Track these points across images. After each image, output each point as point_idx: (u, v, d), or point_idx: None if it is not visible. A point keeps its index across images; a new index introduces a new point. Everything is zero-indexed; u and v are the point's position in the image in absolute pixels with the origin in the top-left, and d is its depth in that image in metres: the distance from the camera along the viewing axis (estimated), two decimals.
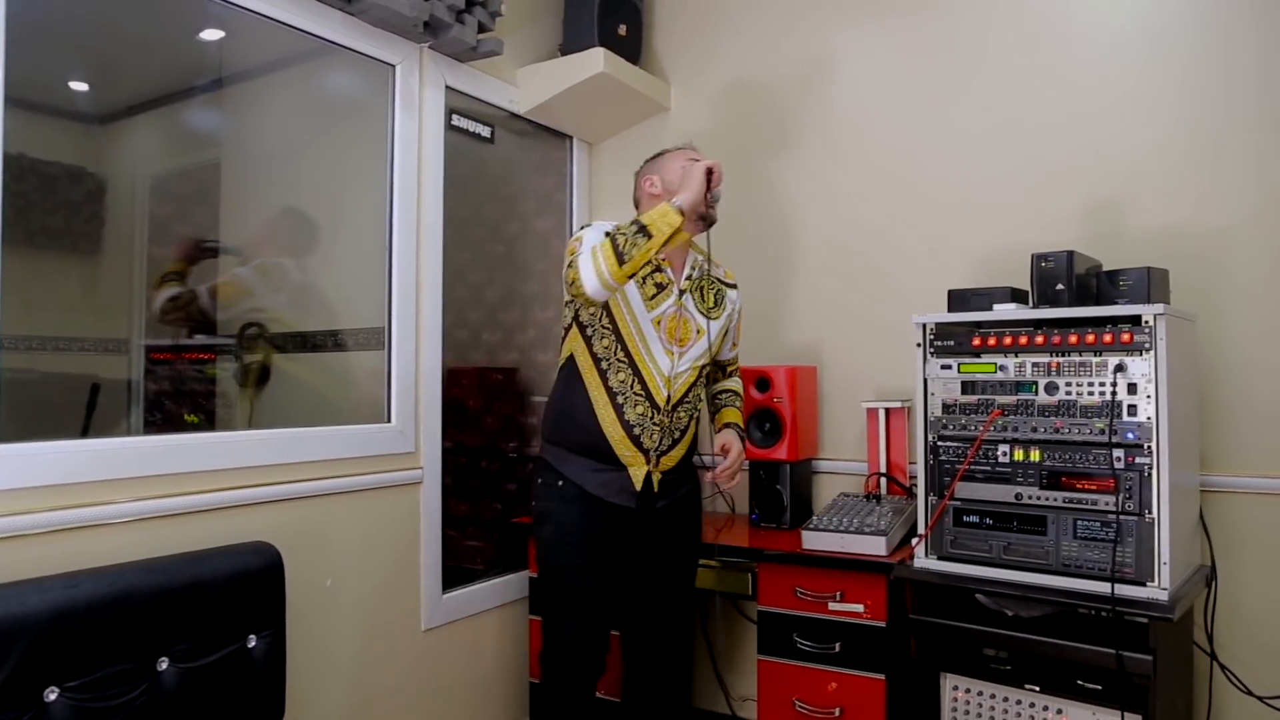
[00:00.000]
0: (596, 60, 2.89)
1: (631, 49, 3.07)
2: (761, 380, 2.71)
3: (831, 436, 2.88)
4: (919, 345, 2.23)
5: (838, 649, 2.29)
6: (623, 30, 3.03)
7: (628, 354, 2.17)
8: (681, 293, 2.24)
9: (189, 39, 2.73)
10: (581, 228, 2.18)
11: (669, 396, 2.18)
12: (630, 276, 2.04)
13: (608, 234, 2.04)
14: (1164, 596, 1.87)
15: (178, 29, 2.69)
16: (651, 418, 2.17)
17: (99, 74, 2.97)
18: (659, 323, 2.19)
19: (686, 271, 2.27)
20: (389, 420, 2.55)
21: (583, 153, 3.39)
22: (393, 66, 2.58)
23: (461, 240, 2.94)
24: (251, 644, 1.89)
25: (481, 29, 2.70)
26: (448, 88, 2.76)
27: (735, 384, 2.49)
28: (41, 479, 1.77)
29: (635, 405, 2.16)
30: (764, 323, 2.98)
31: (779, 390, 2.68)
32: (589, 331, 2.20)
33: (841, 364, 2.87)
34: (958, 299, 2.28)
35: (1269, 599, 2.23)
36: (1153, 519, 1.90)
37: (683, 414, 2.23)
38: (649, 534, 2.24)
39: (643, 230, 2.00)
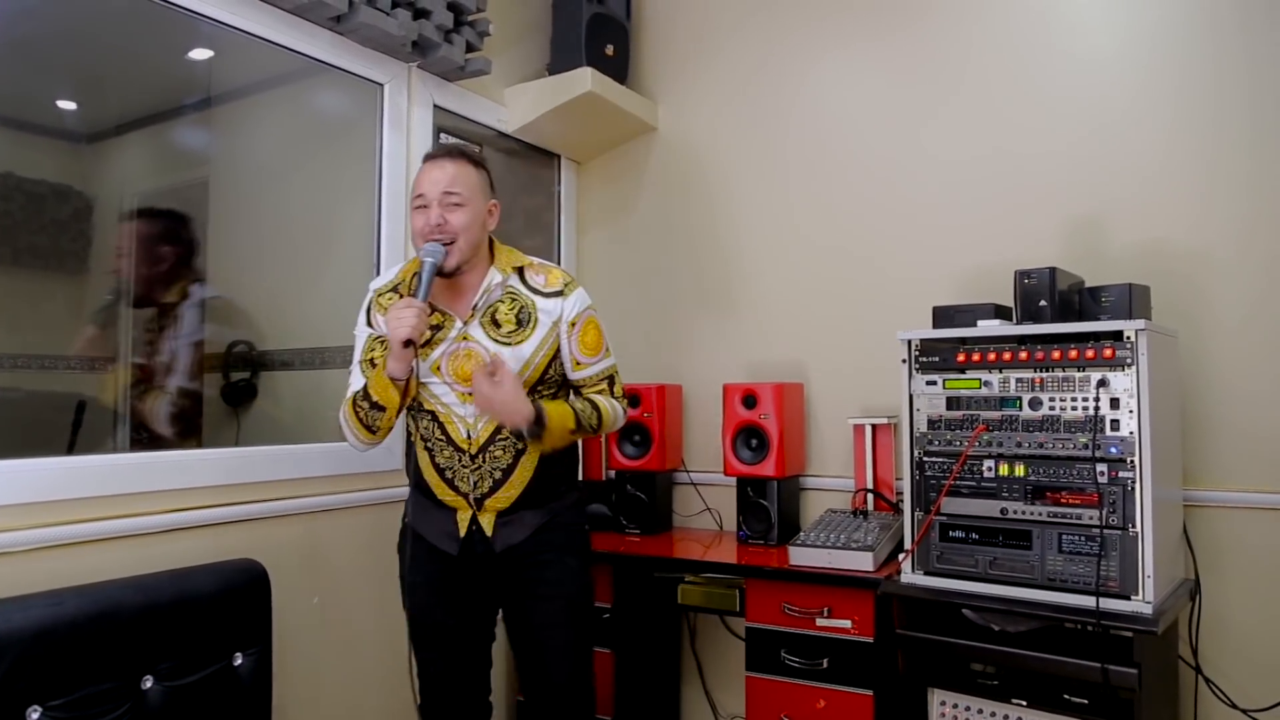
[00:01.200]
0: (584, 80, 2.91)
1: (619, 69, 3.10)
2: (748, 398, 2.72)
3: (818, 453, 2.89)
4: (904, 362, 2.24)
5: (825, 665, 2.29)
6: (610, 50, 3.06)
7: (421, 404, 2.01)
8: (466, 324, 1.98)
9: (178, 58, 2.74)
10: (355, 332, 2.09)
11: (471, 438, 1.97)
12: (390, 430, 2.00)
13: (352, 399, 1.98)
14: (1148, 610, 1.88)
15: (167, 48, 2.70)
16: (460, 461, 1.98)
17: (87, 93, 2.98)
18: (438, 367, 1.97)
19: (476, 298, 1.99)
20: None
21: (570, 172, 3.41)
22: (381, 86, 2.60)
23: None
24: (237, 662, 1.88)
25: (470, 48, 2.73)
26: (436, 107, 2.78)
27: (601, 399, 2.08)
28: (25, 496, 1.77)
29: (442, 450, 1.99)
30: (750, 340, 3.00)
31: (765, 407, 2.69)
32: None
33: (828, 381, 2.88)
34: (942, 316, 2.30)
35: (1253, 613, 2.25)
36: (1136, 533, 1.92)
37: (499, 452, 1.97)
38: (491, 580, 2.05)
39: (375, 406, 1.93)
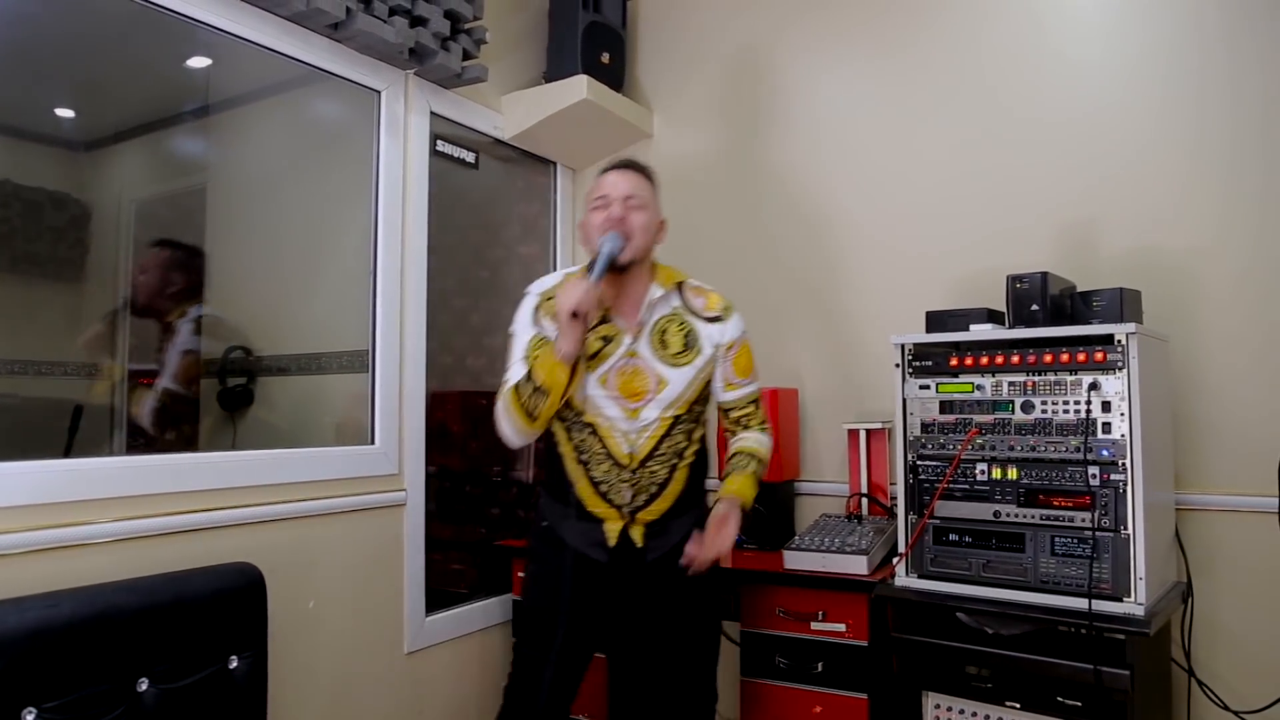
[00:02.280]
0: (580, 87, 2.93)
1: (615, 76, 3.12)
2: None
3: (813, 458, 2.90)
4: (897, 366, 2.25)
5: (820, 669, 2.29)
6: (606, 58, 3.08)
7: (580, 416, 2.03)
8: (635, 339, 2.03)
9: (176, 66, 2.76)
10: (516, 322, 2.11)
11: (632, 453, 2.00)
12: (551, 419, 2.02)
13: (514, 386, 1.98)
14: (1140, 612, 1.89)
15: (165, 56, 2.71)
16: (618, 475, 2.00)
17: (85, 101, 3.00)
18: (605, 380, 2.00)
19: (641, 312, 2.04)
20: (372, 442, 2.55)
21: (566, 179, 3.43)
22: (378, 93, 2.62)
23: (446, 266, 2.97)
24: (233, 665, 1.89)
25: (466, 56, 2.75)
26: (432, 114, 2.79)
27: (750, 440, 2.13)
28: (21, 498, 1.77)
29: (600, 464, 2.01)
30: None
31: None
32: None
33: (822, 386, 2.89)
34: (935, 320, 2.32)
35: (1245, 615, 2.26)
36: (1128, 535, 1.93)
37: (657, 467, 2.01)
38: (635, 590, 2.05)
39: (538, 390, 1.94)
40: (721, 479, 2.11)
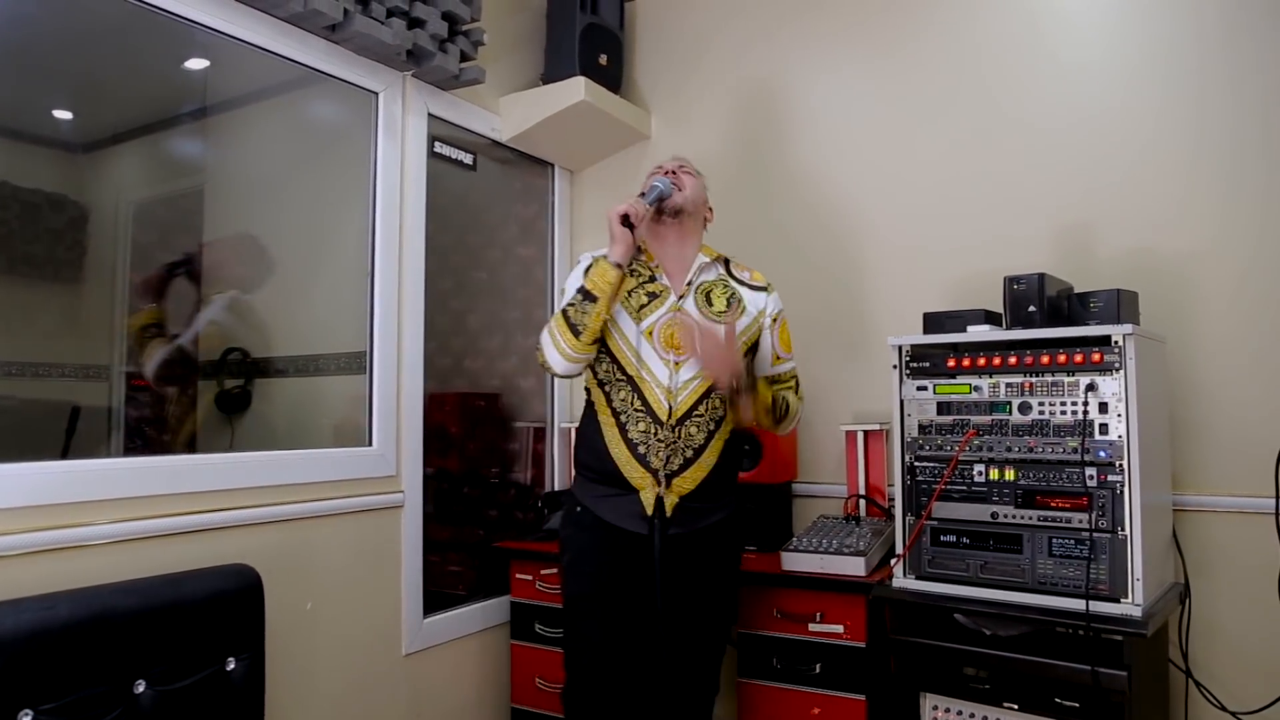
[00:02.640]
0: (578, 89, 2.94)
1: (612, 78, 3.12)
2: None
3: (810, 460, 2.90)
4: (895, 367, 2.25)
5: (818, 670, 2.30)
6: (604, 60, 3.08)
7: (623, 371, 2.09)
8: (681, 298, 2.15)
9: (174, 68, 2.76)
10: (570, 274, 2.23)
11: (671, 409, 2.06)
12: (595, 342, 2.09)
13: (562, 310, 2.09)
14: (1137, 613, 1.89)
15: (163, 58, 2.71)
16: (655, 434, 2.05)
17: (83, 102, 2.99)
18: (651, 333, 2.10)
19: (689, 277, 2.18)
20: (370, 444, 2.55)
21: (564, 181, 3.43)
22: (376, 94, 2.62)
23: (444, 267, 2.97)
24: (230, 667, 1.88)
25: (464, 57, 2.75)
26: (430, 115, 2.79)
27: (790, 395, 2.25)
28: (19, 500, 1.77)
29: (638, 422, 2.06)
30: None
31: None
32: (598, 355, 2.16)
33: (820, 387, 2.89)
34: (933, 321, 2.32)
35: (1242, 616, 2.26)
36: (1125, 536, 1.93)
37: (694, 429, 2.07)
38: (665, 563, 2.07)
39: (587, 296, 2.06)
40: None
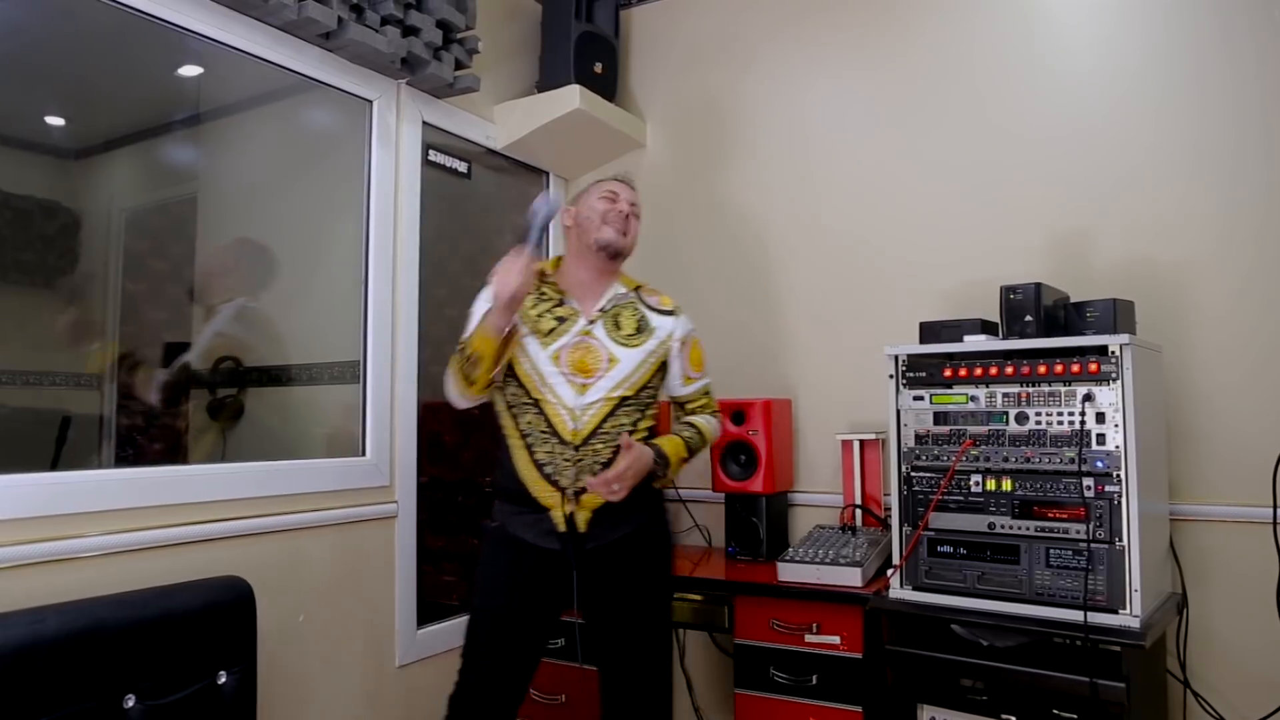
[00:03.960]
0: (573, 97, 2.93)
1: (607, 86, 3.12)
2: (737, 413, 2.72)
3: (806, 469, 2.89)
4: (891, 377, 2.25)
5: (814, 681, 2.28)
6: (599, 68, 3.08)
7: (529, 395, 2.09)
8: (591, 322, 2.14)
9: (167, 75, 2.75)
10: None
11: (577, 430, 2.05)
12: (489, 386, 2.12)
13: (457, 351, 2.10)
14: (1136, 624, 1.89)
15: (156, 65, 2.70)
16: (562, 455, 2.04)
17: (76, 109, 2.98)
18: (558, 357, 2.09)
19: (602, 303, 2.18)
20: (363, 454, 2.54)
21: (559, 188, 3.42)
22: (370, 102, 2.61)
23: (439, 276, 2.95)
24: (221, 680, 1.86)
25: (459, 65, 2.74)
26: (425, 123, 2.78)
27: (700, 419, 2.27)
28: (8, 512, 1.75)
29: (543, 443, 2.06)
30: (739, 356, 3.00)
31: (754, 423, 2.69)
32: (500, 381, 2.16)
33: (816, 397, 2.89)
34: (929, 331, 2.31)
35: (1239, 626, 2.25)
36: (1123, 546, 1.92)
37: (600, 446, 2.06)
38: (585, 578, 2.08)
39: (470, 357, 2.04)
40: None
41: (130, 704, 1.69)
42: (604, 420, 2.08)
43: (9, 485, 1.77)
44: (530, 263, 1.98)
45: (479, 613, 2.14)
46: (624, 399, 2.10)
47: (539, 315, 2.15)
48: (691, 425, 2.24)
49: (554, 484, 2.05)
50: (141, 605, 1.77)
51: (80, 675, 1.63)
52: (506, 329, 2.03)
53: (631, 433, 2.09)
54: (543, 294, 2.18)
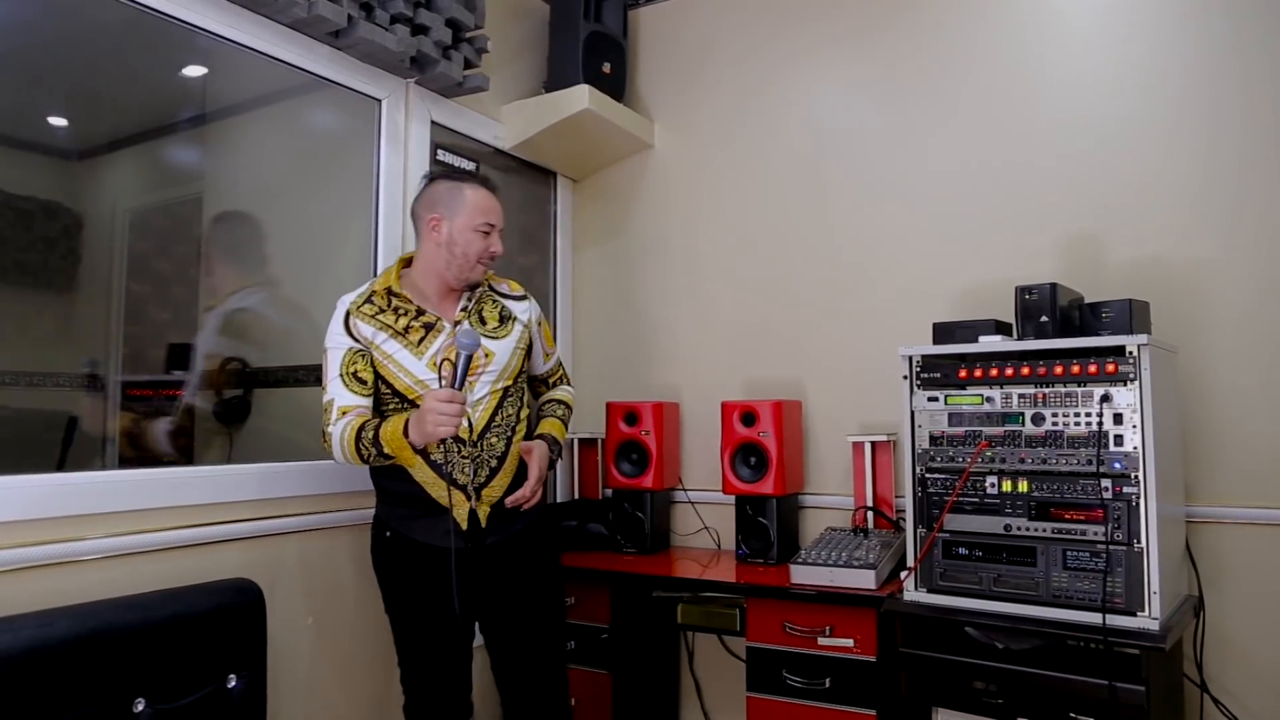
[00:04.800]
0: (581, 97, 2.91)
1: (616, 87, 3.10)
2: (747, 415, 2.70)
3: (817, 471, 2.88)
4: (906, 378, 2.23)
5: (828, 685, 2.26)
6: (607, 68, 3.06)
7: (413, 404, 2.04)
8: (456, 324, 2.11)
9: (172, 74, 2.73)
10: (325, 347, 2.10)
11: (471, 425, 2.05)
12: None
13: (356, 435, 1.99)
14: (1155, 626, 1.87)
15: (161, 65, 2.68)
16: (459, 452, 2.04)
17: (79, 109, 2.96)
18: (435, 363, 2.06)
19: (461, 303, 2.16)
20: None
21: (566, 189, 3.40)
22: (379, 101, 2.59)
23: None
24: (231, 684, 1.84)
25: (468, 65, 2.73)
26: (433, 123, 2.77)
27: (561, 392, 2.40)
28: (15, 514, 1.73)
29: (437, 446, 2.02)
30: (748, 357, 2.99)
31: (764, 425, 2.67)
32: (379, 401, 2.11)
33: (826, 398, 2.87)
34: (943, 332, 2.30)
35: (1256, 629, 2.24)
36: (1141, 548, 1.91)
37: (494, 439, 2.09)
38: (485, 572, 2.10)
39: (384, 455, 1.99)
40: (534, 425, 2.30)
41: (140, 708, 1.68)
42: (494, 414, 2.11)
43: (16, 486, 1.75)
44: (464, 405, 1.92)
45: (402, 626, 2.13)
46: (506, 389, 2.15)
47: (404, 329, 2.08)
48: (559, 402, 2.38)
49: (453, 482, 2.04)
50: (151, 608, 1.76)
51: (89, 679, 1.61)
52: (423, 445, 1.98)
53: (516, 423, 2.16)
54: (397, 309, 2.10)
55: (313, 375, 2.73)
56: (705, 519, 3.01)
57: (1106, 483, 1.96)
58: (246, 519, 2.14)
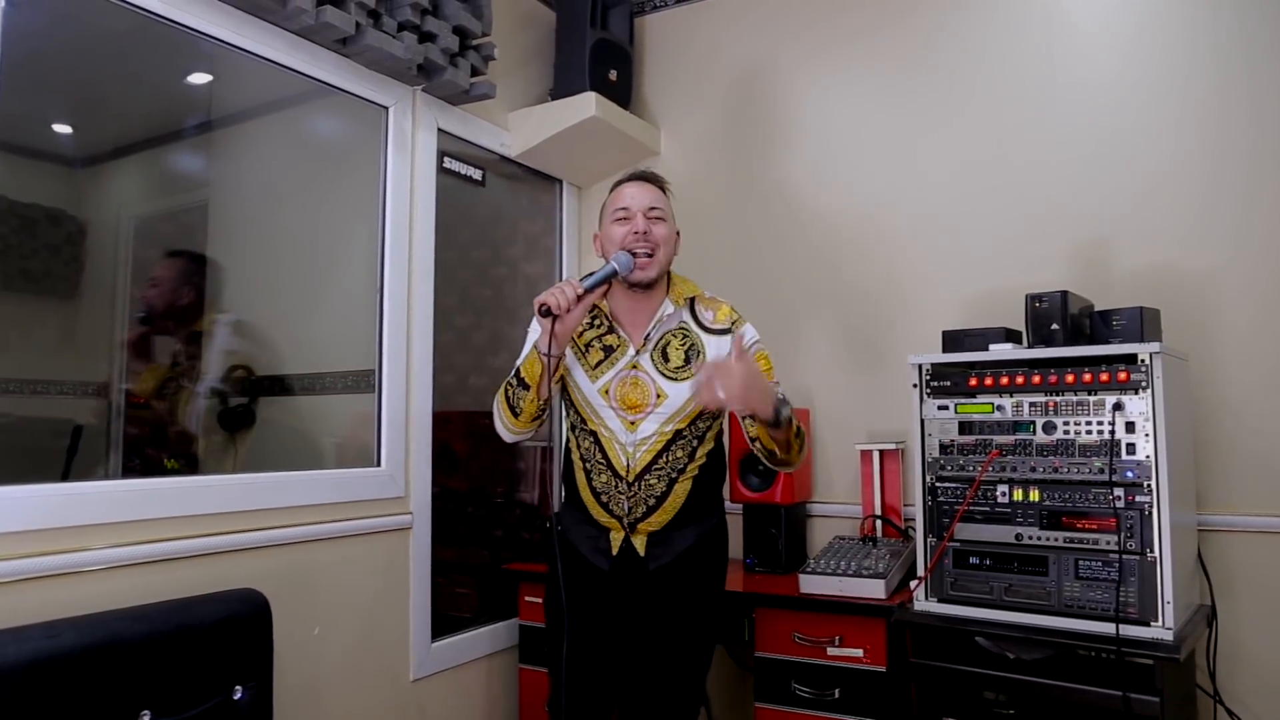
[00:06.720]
0: (588, 104, 2.91)
1: (622, 94, 3.10)
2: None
3: (824, 479, 2.86)
4: (915, 386, 2.22)
5: (837, 695, 2.25)
6: (613, 75, 3.06)
7: (585, 424, 2.05)
8: (638, 353, 2.04)
9: (177, 81, 2.72)
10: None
11: (629, 466, 1.99)
12: (536, 418, 2.03)
13: (506, 385, 2.02)
14: (1169, 636, 1.86)
15: (166, 72, 2.68)
16: (615, 486, 2.00)
17: (84, 116, 2.95)
18: (607, 391, 2.02)
19: (649, 329, 2.05)
20: (378, 464, 2.50)
21: (572, 197, 3.39)
22: (386, 108, 2.58)
23: (449, 283, 2.92)
24: (237, 695, 1.82)
25: (475, 72, 2.72)
26: (440, 130, 2.76)
27: None
28: (20, 524, 1.71)
29: (600, 473, 2.02)
30: None
31: None
32: (564, 401, 2.14)
33: (834, 406, 2.86)
34: (952, 340, 2.29)
35: (1270, 639, 2.22)
36: (1154, 558, 1.90)
37: (654, 481, 2.00)
38: (636, 598, 2.03)
39: (521, 382, 1.98)
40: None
41: (146, 719, 1.66)
42: (657, 457, 2.00)
43: (21, 496, 1.74)
44: (578, 293, 1.88)
45: (551, 614, 2.13)
46: (677, 433, 2.01)
47: (587, 344, 2.08)
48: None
49: (609, 511, 2.02)
50: (157, 619, 1.74)
51: (96, 690, 1.59)
52: (553, 355, 1.91)
53: (689, 463, 2.03)
54: (595, 318, 2.10)
55: (319, 383, 2.73)
56: None
57: (1119, 491, 1.95)
58: (253, 529, 2.12)
